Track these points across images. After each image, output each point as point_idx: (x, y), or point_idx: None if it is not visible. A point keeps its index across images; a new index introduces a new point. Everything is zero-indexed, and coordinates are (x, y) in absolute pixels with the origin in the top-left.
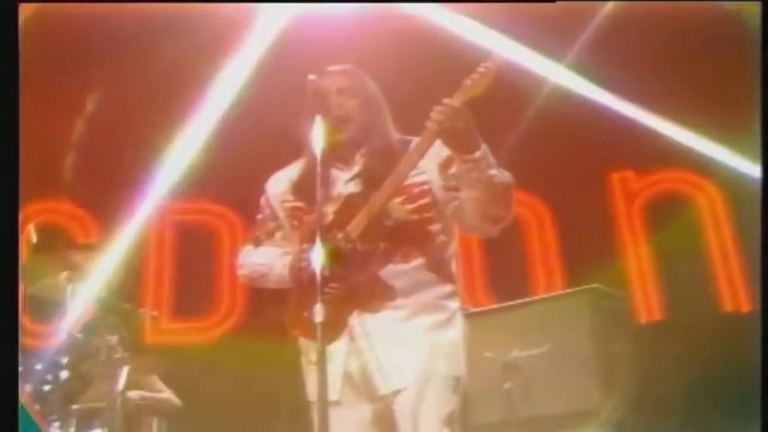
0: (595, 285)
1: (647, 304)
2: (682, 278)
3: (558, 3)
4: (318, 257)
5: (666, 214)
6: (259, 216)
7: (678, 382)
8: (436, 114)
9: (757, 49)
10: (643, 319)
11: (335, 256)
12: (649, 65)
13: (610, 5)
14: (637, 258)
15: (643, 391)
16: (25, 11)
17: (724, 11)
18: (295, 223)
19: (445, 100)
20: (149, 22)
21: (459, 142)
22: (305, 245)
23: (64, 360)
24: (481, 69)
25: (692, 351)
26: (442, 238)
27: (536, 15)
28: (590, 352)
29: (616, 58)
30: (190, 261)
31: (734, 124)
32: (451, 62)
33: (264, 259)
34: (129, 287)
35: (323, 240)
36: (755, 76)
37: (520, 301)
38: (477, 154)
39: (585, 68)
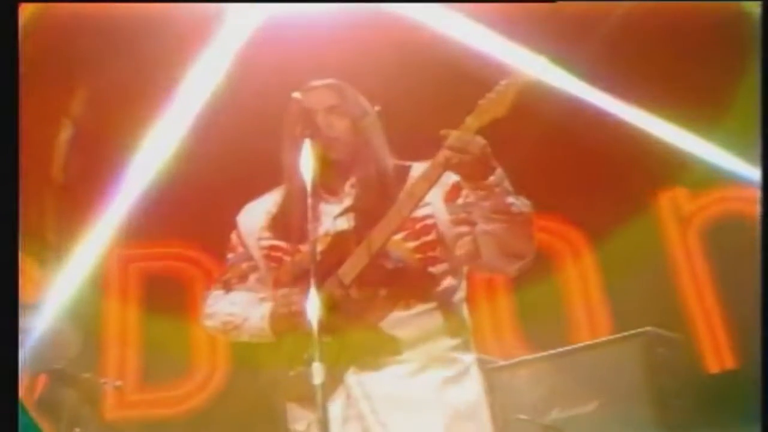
0: (647, 328)
1: (716, 350)
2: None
3: (561, 4)
4: (315, 305)
5: (730, 239)
6: (230, 255)
7: None
8: (450, 144)
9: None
10: (713, 368)
11: (326, 304)
12: (667, 75)
13: (625, 7)
14: (699, 293)
15: None
16: (25, 11)
17: (732, 12)
18: (273, 265)
19: (459, 131)
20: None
21: (471, 171)
22: (288, 290)
23: None
24: (499, 87)
25: None
26: (449, 280)
27: (538, 17)
28: (646, 410)
29: (634, 69)
30: (159, 318)
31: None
32: (457, 73)
33: (237, 308)
34: (87, 353)
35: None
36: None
37: (558, 350)
38: (491, 179)
39: (598, 77)
